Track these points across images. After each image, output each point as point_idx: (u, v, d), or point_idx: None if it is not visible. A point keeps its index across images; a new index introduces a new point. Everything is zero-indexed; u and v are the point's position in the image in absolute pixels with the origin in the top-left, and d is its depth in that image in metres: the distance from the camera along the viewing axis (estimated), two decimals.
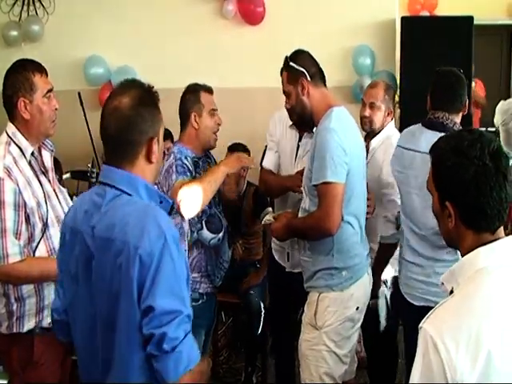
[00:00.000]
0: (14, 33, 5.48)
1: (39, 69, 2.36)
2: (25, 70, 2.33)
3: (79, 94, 4.99)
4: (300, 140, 3.11)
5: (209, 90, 2.95)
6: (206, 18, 5.29)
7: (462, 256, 1.49)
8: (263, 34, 5.17)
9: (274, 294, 3.50)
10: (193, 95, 2.90)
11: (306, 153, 2.93)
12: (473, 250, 1.46)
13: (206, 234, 2.81)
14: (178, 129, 3.03)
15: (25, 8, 5.50)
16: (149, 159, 1.74)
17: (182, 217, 2.67)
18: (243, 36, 5.23)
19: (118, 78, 5.40)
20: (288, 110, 2.73)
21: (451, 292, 1.48)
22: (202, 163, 2.89)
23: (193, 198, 2.61)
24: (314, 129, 2.68)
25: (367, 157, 3.09)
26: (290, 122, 3.11)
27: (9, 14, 5.50)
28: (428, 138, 2.60)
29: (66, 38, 5.40)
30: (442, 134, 2.54)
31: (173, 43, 5.30)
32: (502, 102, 3.72)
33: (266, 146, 3.32)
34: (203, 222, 2.80)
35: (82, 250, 1.71)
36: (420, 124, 2.87)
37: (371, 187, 3.01)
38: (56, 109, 2.40)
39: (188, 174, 2.74)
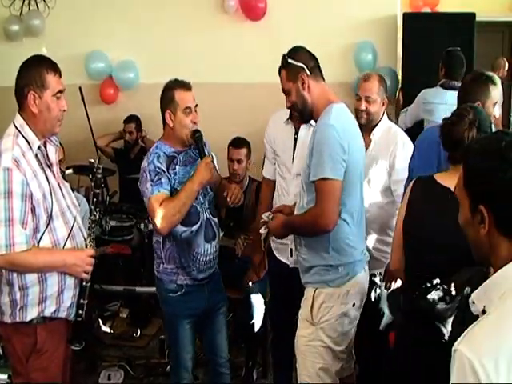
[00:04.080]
0: (15, 27, 5.48)
1: (54, 68, 2.39)
2: (39, 66, 2.37)
3: (80, 88, 5.00)
4: (297, 134, 3.13)
5: (185, 87, 2.86)
6: (208, 14, 5.29)
7: (495, 270, 1.39)
8: (265, 29, 5.18)
9: (276, 293, 3.47)
10: (167, 93, 2.85)
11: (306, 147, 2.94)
12: (507, 261, 1.36)
13: (178, 227, 2.81)
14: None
15: (26, 2, 5.51)
16: None
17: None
18: (244, 31, 5.24)
19: (118, 73, 5.42)
20: (289, 107, 2.72)
21: (483, 312, 1.38)
22: (183, 157, 2.86)
23: (167, 217, 2.71)
24: (312, 122, 2.74)
25: (370, 149, 3.12)
26: (285, 118, 3.15)
27: (10, 9, 5.50)
28: (453, 94, 3.39)
29: (67, 32, 5.40)
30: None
31: (174, 38, 5.30)
32: None
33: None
34: None
35: None
36: (438, 87, 4.26)
37: (378, 178, 3.11)
38: (64, 110, 2.42)
39: (162, 180, 2.74)
